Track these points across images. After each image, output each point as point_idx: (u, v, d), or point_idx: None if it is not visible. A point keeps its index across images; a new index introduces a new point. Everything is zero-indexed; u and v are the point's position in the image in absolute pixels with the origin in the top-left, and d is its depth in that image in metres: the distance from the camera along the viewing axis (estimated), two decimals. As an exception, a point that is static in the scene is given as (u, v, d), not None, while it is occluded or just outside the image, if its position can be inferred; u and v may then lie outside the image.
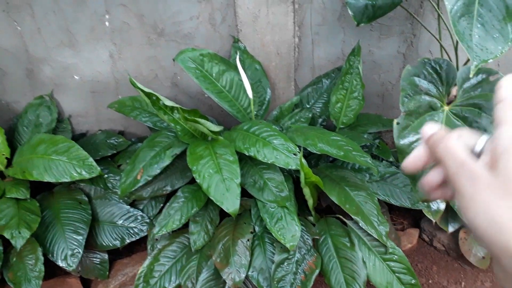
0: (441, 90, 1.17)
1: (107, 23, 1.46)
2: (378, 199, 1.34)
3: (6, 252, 1.39)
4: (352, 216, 1.23)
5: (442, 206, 1.30)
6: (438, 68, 1.17)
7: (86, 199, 1.48)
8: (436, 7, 1.30)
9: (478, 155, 0.34)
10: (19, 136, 1.56)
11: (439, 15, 1.34)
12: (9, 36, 1.45)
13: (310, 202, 1.27)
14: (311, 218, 1.35)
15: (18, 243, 1.28)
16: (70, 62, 1.52)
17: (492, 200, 0.29)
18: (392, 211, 1.68)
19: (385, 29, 1.52)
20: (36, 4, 1.40)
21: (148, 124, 1.50)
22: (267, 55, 1.54)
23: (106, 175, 1.52)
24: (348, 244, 1.28)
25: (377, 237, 1.24)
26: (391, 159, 1.46)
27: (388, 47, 1.56)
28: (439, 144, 0.34)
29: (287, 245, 1.20)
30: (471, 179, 0.31)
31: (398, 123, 1.18)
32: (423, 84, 1.17)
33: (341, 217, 1.34)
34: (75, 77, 1.55)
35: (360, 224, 1.24)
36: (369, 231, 1.23)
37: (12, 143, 1.54)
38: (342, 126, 1.49)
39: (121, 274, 1.55)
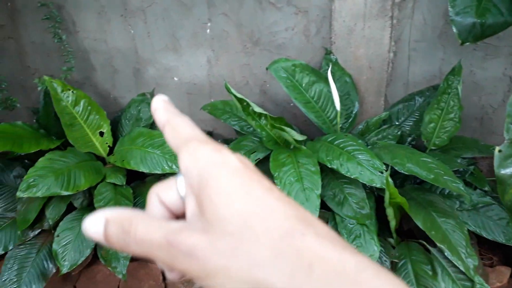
0: (556, 119, 1.06)
1: (208, 30, 1.57)
2: (468, 229, 1.24)
3: (101, 230, 1.55)
4: (438, 244, 1.16)
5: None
6: (554, 95, 1.06)
7: (173, 191, 1.59)
8: (557, 28, 1.18)
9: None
10: (121, 128, 1.73)
11: (559, 37, 1.22)
12: (124, 38, 1.62)
13: (393, 223, 1.22)
14: (391, 240, 1.30)
15: (113, 224, 1.41)
16: (172, 64, 1.65)
17: (236, 262, 0.20)
18: (480, 244, 1.55)
19: (491, 49, 1.41)
20: (149, 11, 1.55)
21: (235, 127, 1.57)
22: (359, 68, 1.53)
23: (192, 172, 1.62)
24: (430, 273, 1.21)
25: (463, 270, 1.15)
26: (486, 188, 1.35)
27: (493, 69, 1.45)
28: (129, 242, 0.23)
29: (364, 264, 1.17)
30: (191, 258, 0.21)
31: (500, 151, 1.09)
32: (535, 111, 1.07)
33: (424, 243, 1.27)
34: (175, 78, 1.68)
35: (445, 254, 1.16)
36: (455, 262, 1.15)
37: (115, 133, 1.71)
38: (433, 148, 1.42)
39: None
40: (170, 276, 0.25)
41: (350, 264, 0.20)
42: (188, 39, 1.59)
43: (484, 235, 1.28)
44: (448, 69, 1.46)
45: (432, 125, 1.40)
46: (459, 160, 1.39)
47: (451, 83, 1.36)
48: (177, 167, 1.50)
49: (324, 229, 0.21)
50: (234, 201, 0.21)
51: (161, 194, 0.26)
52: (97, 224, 0.24)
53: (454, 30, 1.21)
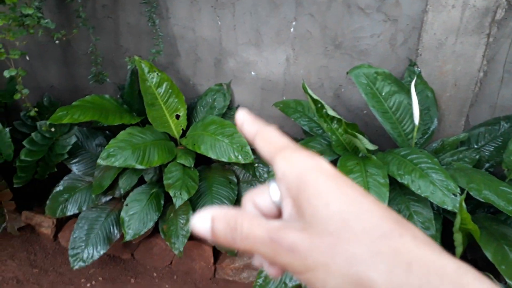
0: None
1: (292, 29, 1.59)
2: (543, 271, 1.15)
3: (165, 207, 1.64)
4: (507, 280, 1.09)
5: None
6: None
7: (236, 180, 1.64)
8: None
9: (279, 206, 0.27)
10: (196, 114, 1.81)
11: None
12: (211, 28, 1.70)
13: (459, 249, 1.17)
14: (454, 266, 1.24)
15: (178, 202, 1.49)
16: (252, 59, 1.70)
17: (336, 259, 0.22)
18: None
19: None
20: (239, 4, 1.61)
21: (305, 127, 1.58)
22: (443, 84, 1.46)
23: (256, 164, 1.66)
24: (493, 309, 1.14)
25: (532, 313, 1.07)
26: None
27: None
28: (236, 238, 0.25)
29: None
30: (292, 253, 0.23)
31: None
32: None
33: (491, 276, 1.20)
34: (252, 73, 1.73)
35: (514, 292, 1.09)
36: (524, 303, 1.08)
37: (189, 118, 1.79)
38: (514, 178, 1.32)
39: (247, 256, 1.68)
40: (270, 271, 0.27)
41: (450, 266, 0.20)
42: (271, 36, 1.63)
43: (562, 281, 1.17)
44: (544, 97, 1.35)
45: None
46: (543, 196, 1.28)
47: (546, 112, 1.26)
48: (243, 158, 1.54)
49: (420, 233, 0.22)
50: (332, 202, 0.23)
51: (255, 199, 0.28)
52: (204, 222, 0.26)
53: (561, 56, 1.12)
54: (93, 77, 1.77)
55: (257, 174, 1.65)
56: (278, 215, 0.28)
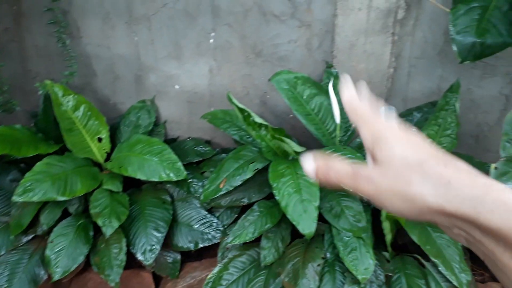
0: (552, 138, 1.08)
1: (211, 41, 1.58)
2: (462, 245, 1.25)
3: (95, 238, 1.53)
4: (432, 259, 1.17)
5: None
6: (551, 115, 1.08)
7: (170, 199, 1.58)
8: (553, 50, 1.21)
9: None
10: (120, 134, 1.73)
11: (555, 59, 1.25)
12: (127, 44, 1.64)
13: (388, 237, 1.23)
14: (386, 254, 1.30)
15: (108, 231, 1.40)
16: (174, 72, 1.66)
17: (398, 183, 0.31)
18: (472, 260, 1.56)
19: (489, 68, 1.44)
20: (154, 18, 1.57)
21: (235, 137, 1.57)
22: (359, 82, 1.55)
23: (190, 180, 1.62)
24: (424, 287, 1.21)
25: (457, 285, 1.16)
26: (482, 206, 1.36)
27: (489, 87, 1.48)
28: (330, 176, 0.35)
29: (359, 277, 1.17)
30: (368, 181, 0.32)
31: (496, 168, 1.11)
32: (531, 130, 1.09)
33: (419, 257, 1.27)
34: (176, 86, 1.69)
35: (439, 268, 1.17)
36: (449, 277, 1.16)
37: (113, 139, 1.70)
38: (430, 164, 1.43)
39: (189, 276, 1.62)
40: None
41: (480, 181, 0.29)
42: (191, 48, 1.61)
43: (480, 252, 1.28)
44: (446, 86, 1.48)
45: (429, 140, 1.42)
46: (455, 177, 1.40)
47: (449, 100, 1.38)
48: (175, 175, 1.50)
49: (465, 166, 0.30)
50: (395, 146, 0.32)
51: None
52: (310, 162, 0.35)
53: (454, 48, 1.24)
54: (0, 107, 1.62)
55: (192, 190, 1.61)
56: None
